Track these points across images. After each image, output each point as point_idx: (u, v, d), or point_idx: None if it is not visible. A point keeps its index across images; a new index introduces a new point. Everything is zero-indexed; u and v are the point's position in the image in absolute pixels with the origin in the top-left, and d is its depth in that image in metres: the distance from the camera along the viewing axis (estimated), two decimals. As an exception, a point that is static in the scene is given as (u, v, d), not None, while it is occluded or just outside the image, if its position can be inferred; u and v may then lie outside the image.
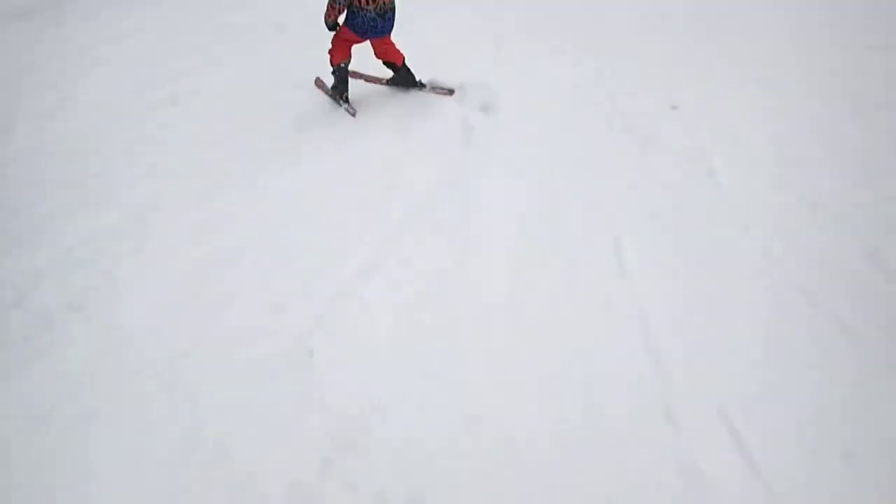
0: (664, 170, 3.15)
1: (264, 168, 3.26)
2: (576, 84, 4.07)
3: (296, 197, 3.04)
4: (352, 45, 3.83)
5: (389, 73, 4.07)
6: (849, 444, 1.91)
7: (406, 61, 3.99)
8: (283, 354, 2.20)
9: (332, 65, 3.87)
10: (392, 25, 3.70)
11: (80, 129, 3.74)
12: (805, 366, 2.13)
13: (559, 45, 4.69)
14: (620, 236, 2.69)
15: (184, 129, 3.71)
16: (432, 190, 3.04)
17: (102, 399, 2.07)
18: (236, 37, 5.01)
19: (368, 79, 4.24)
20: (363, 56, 3.92)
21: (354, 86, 4.02)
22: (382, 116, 3.82)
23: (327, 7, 3.52)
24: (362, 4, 3.49)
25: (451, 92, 4.16)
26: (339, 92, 3.95)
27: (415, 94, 4.10)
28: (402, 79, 4.07)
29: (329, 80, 4.13)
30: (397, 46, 3.91)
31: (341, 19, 3.62)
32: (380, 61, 3.99)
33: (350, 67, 3.95)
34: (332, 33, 3.75)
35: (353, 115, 3.88)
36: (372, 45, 3.87)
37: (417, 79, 4.09)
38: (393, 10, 3.63)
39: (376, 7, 3.51)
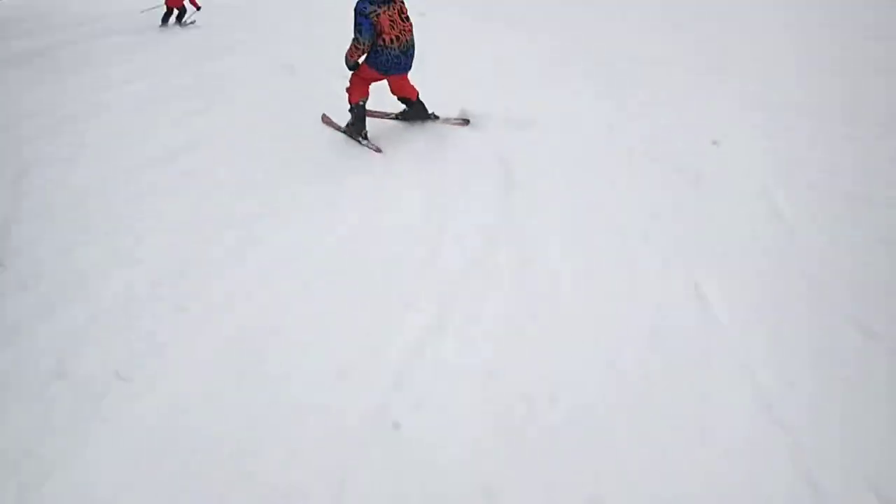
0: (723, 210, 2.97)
1: (297, 218, 3.12)
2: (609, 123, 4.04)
3: (337, 249, 2.85)
4: (370, 83, 3.82)
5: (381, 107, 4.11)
6: None
7: (420, 95, 4.03)
8: (362, 426, 1.95)
9: (350, 103, 3.88)
10: (412, 61, 3.72)
11: (92, 179, 3.61)
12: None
13: (583, 78, 4.79)
14: (700, 283, 2.46)
15: (203, 177, 3.60)
16: (483, 235, 2.87)
17: (167, 489, 1.80)
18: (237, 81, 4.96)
19: (379, 115, 4.25)
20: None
21: (368, 122, 4.00)
22: (409, 153, 3.76)
23: (351, 48, 3.53)
24: (386, 42, 3.52)
25: (466, 122, 4.19)
26: (356, 129, 3.94)
27: (430, 127, 4.11)
28: (417, 113, 4.10)
29: (335, 118, 4.16)
30: (412, 82, 3.94)
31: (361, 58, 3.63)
32: (394, 97, 4.03)
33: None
34: (351, 72, 3.75)
35: (379, 151, 3.85)
36: (389, 81, 3.89)
37: (430, 111, 4.12)
38: (414, 46, 3.67)
39: (400, 45, 3.54)
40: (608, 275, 2.56)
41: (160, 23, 8.69)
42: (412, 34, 3.62)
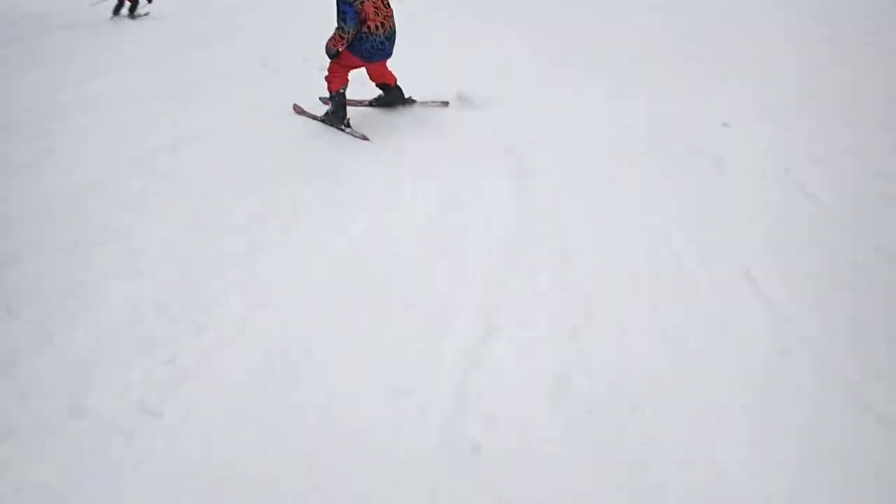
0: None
1: (302, 221, 2.91)
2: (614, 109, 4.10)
3: (352, 252, 2.64)
4: (350, 71, 3.76)
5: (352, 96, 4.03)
6: None
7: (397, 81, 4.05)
8: (434, 450, 1.76)
9: (330, 91, 3.80)
10: (394, 47, 3.71)
11: (84, 180, 3.30)
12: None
13: (583, 78, 4.78)
14: (749, 269, 2.45)
15: (203, 176, 3.36)
16: (514, 231, 2.76)
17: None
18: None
19: (355, 103, 4.17)
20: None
21: (350, 110, 3.92)
22: (402, 142, 3.68)
23: (334, 37, 3.46)
24: (372, 29, 3.48)
25: (445, 104, 4.20)
26: (339, 118, 3.86)
27: (408, 110, 4.12)
28: (394, 98, 4.09)
29: (309, 107, 4.11)
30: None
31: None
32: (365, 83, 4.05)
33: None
34: (331, 60, 3.68)
35: (365, 139, 3.76)
36: (369, 69, 3.87)
37: (407, 95, 4.11)
38: (395, 31, 3.67)
39: (385, 31, 3.53)
40: (650, 266, 2.52)
41: (111, 14, 8.09)
42: (394, 20, 3.61)
